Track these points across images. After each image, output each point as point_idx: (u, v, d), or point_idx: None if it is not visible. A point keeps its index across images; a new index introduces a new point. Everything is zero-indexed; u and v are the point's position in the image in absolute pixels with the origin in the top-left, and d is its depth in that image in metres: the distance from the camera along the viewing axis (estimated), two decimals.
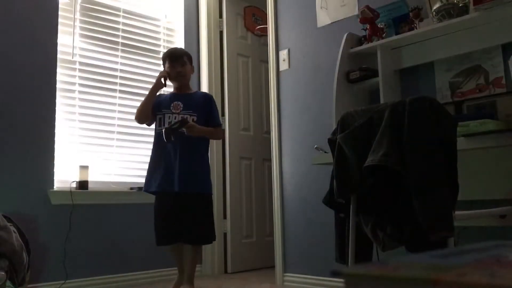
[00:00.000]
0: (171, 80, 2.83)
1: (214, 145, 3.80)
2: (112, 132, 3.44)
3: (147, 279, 3.30)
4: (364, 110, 1.76)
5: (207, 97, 2.92)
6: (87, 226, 3.11)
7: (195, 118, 2.72)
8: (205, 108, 2.81)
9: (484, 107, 2.22)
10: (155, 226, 2.73)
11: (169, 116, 2.73)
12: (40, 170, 2.98)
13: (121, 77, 3.51)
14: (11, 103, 2.92)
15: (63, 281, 2.94)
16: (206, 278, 3.56)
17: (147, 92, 2.84)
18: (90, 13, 3.43)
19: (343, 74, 2.64)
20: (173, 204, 2.68)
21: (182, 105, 2.76)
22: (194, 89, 3.07)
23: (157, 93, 2.83)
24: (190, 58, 2.91)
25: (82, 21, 3.38)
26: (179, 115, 2.72)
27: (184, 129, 2.59)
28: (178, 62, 2.81)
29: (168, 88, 3.00)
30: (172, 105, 2.76)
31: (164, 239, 2.71)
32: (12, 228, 2.47)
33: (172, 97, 2.83)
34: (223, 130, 2.86)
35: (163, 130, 2.57)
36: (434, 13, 2.31)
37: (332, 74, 2.74)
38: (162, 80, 2.78)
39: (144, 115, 2.79)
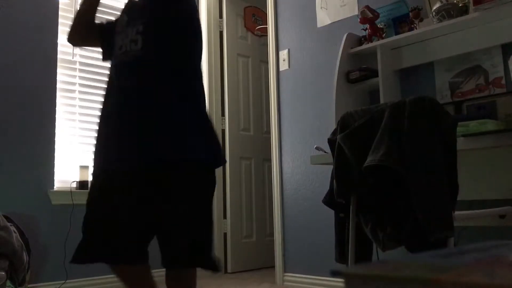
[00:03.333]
0: None
1: None
2: None
3: None
4: (364, 110, 1.76)
5: None
6: None
7: (140, 28, 1.55)
8: (156, 9, 1.60)
9: (484, 107, 2.22)
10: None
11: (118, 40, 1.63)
12: (40, 170, 2.97)
13: None
14: (11, 103, 2.91)
15: (63, 281, 2.94)
16: (206, 278, 3.55)
17: None
18: None
19: (343, 74, 2.64)
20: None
21: (126, 19, 1.64)
22: None
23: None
24: None
25: None
26: (119, 35, 1.62)
27: None
28: None
29: None
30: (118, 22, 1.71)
31: (91, 255, 1.49)
32: (12, 228, 2.47)
33: (123, 10, 1.73)
34: None
35: None
36: (434, 13, 2.31)
37: (332, 74, 2.74)
38: None
39: (71, 32, 1.77)
